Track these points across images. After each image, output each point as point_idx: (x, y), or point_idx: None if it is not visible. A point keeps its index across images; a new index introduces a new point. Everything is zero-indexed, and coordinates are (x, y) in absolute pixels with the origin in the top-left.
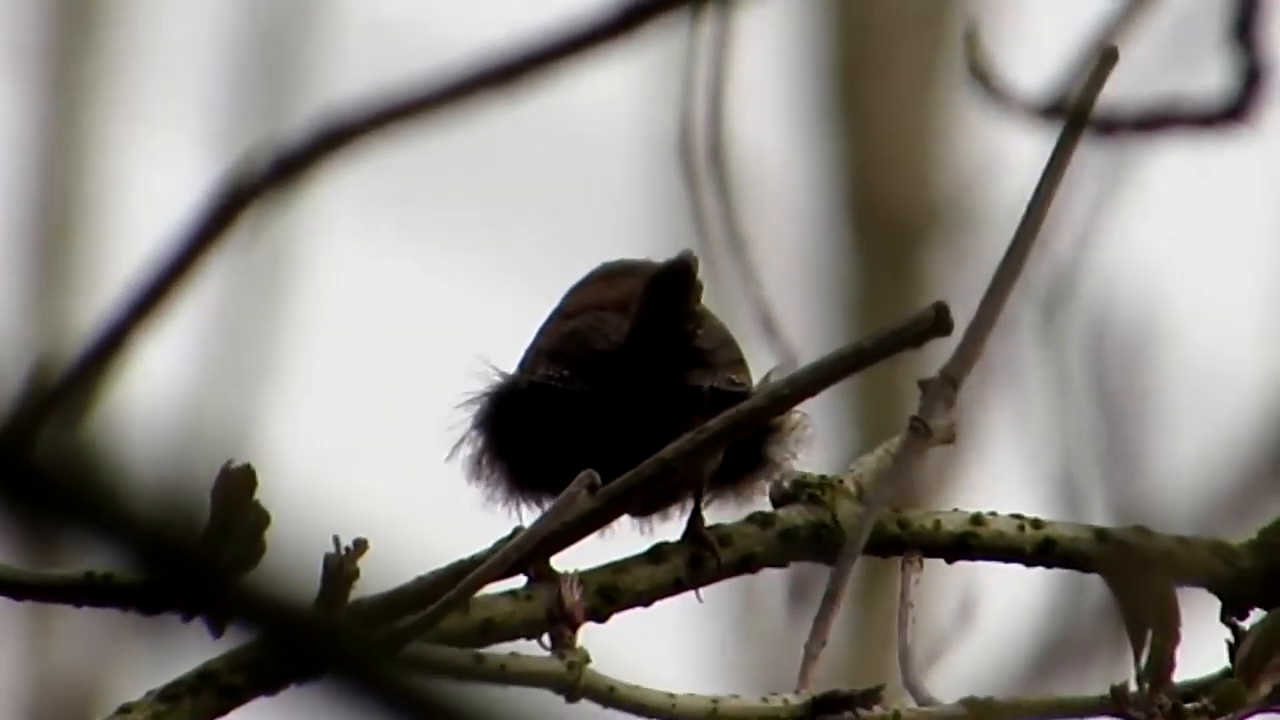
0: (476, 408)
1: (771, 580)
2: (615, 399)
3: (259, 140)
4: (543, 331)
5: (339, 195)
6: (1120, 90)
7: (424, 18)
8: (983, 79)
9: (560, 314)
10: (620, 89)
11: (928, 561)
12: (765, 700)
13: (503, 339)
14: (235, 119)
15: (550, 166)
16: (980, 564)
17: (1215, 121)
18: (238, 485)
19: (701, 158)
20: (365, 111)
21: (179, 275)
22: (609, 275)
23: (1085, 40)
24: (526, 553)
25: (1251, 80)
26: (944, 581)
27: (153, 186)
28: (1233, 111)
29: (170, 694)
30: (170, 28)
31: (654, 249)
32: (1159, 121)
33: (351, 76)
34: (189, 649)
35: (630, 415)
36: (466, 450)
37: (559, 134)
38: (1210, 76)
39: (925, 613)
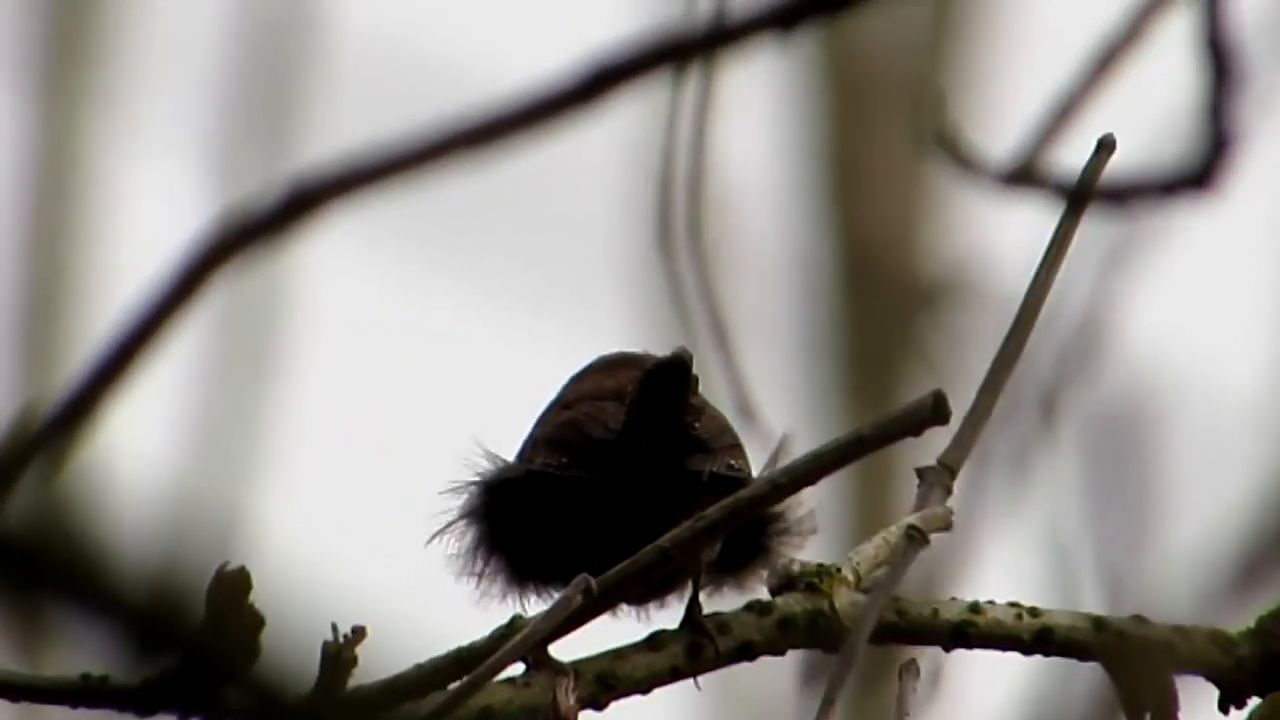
0: (468, 498)
1: (770, 669)
2: (614, 486)
3: (231, 203)
4: (541, 421)
5: (321, 258)
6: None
7: (419, 39)
8: (949, 146)
9: (558, 404)
10: (607, 149)
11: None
12: None
13: (494, 409)
14: (230, 136)
15: (533, 226)
16: (978, 653)
17: (1185, 190)
18: (232, 588)
19: (680, 231)
20: (335, 175)
21: (153, 332)
22: (607, 367)
23: (1051, 105)
24: (525, 649)
25: (1219, 148)
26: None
27: (146, 205)
28: (1200, 179)
29: None
30: (166, 43)
31: (633, 320)
32: (1129, 191)
33: (346, 95)
34: None
35: (629, 502)
36: (456, 543)
37: (542, 193)
38: (1180, 144)
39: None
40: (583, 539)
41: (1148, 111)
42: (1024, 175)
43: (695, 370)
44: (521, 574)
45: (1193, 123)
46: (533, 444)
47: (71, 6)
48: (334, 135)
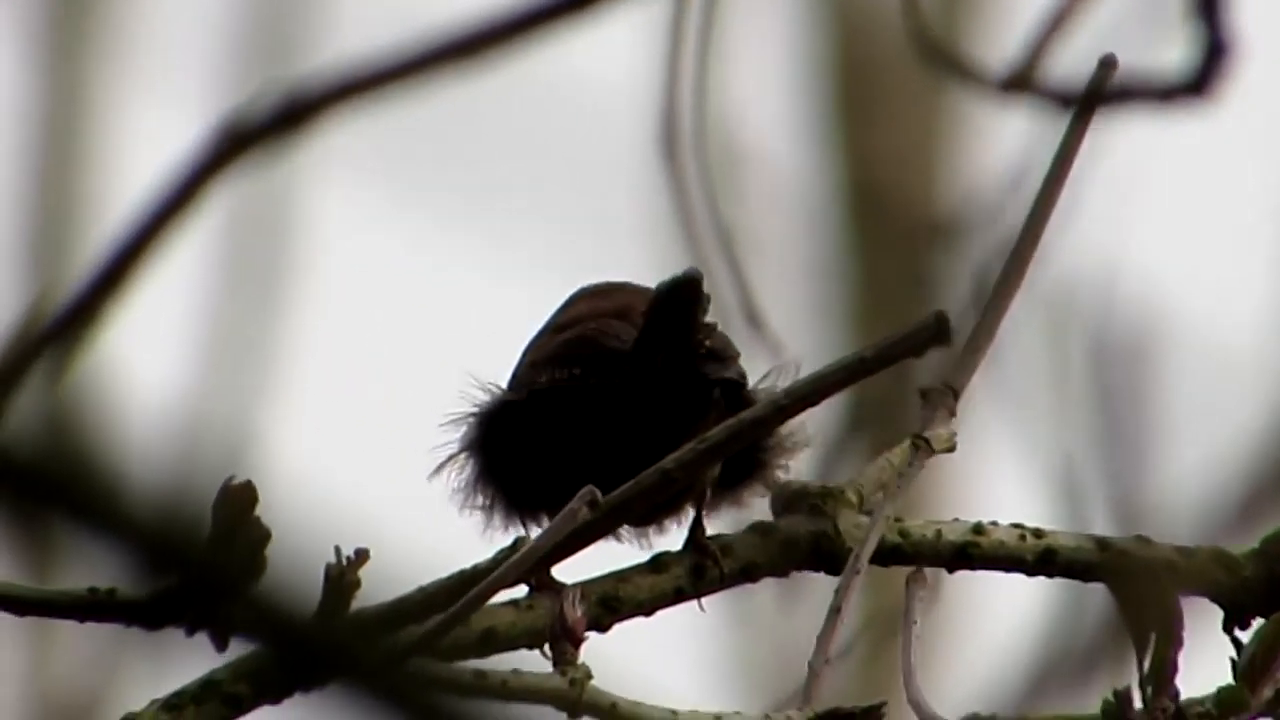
0: (465, 430)
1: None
2: (627, 396)
3: (229, 111)
4: (534, 347)
5: (324, 179)
6: (1085, 61)
7: None
8: (937, 54)
9: (551, 329)
10: (610, 60)
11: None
12: (769, 716)
13: (499, 329)
14: (232, 78)
15: (536, 142)
16: (982, 573)
17: (1178, 96)
18: (238, 501)
19: (686, 143)
20: (331, 82)
21: (155, 236)
22: (598, 293)
23: (1047, 10)
24: (528, 566)
25: (1214, 55)
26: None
27: (150, 149)
28: (1195, 85)
29: (174, 704)
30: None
31: (640, 234)
32: (1122, 95)
33: (345, 39)
34: (192, 662)
35: (642, 414)
36: (456, 476)
37: (544, 107)
38: (1173, 50)
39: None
40: (591, 457)
41: (1142, 17)
42: (1021, 81)
43: (706, 289)
44: (524, 502)
45: (1188, 28)
46: (531, 367)
47: None
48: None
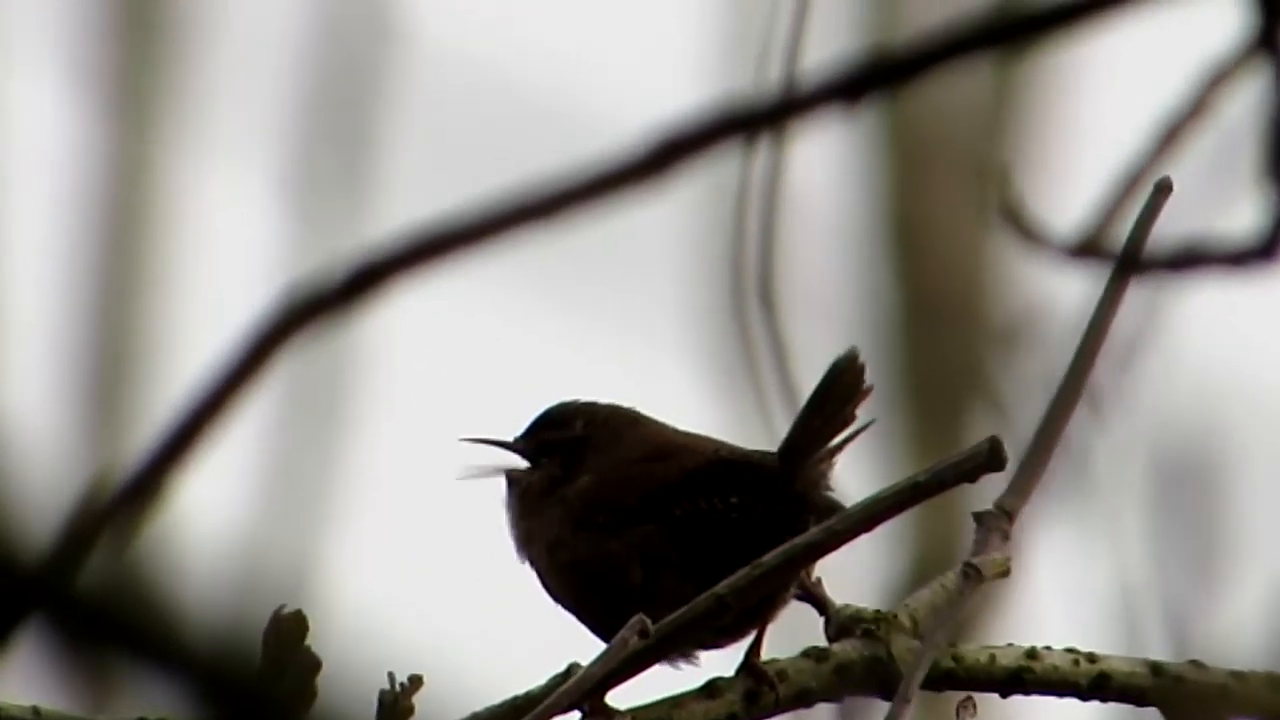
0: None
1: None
2: (776, 514)
3: (299, 276)
4: (618, 474)
5: (393, 322)
6: (1152, 227)
7: (491, 52)
8: (1013, 219)
9: (639, 458)
10: (680, 216)
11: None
12: None
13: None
14: (305, 149)
15: (608, 285)
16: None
17: (1248, 260)
18: (289, 631)
19: (752, 295)
20: (403, 248)
21: (232, 392)
22: (624, 423)
23: (1116, 177)
24: (581, 693)
25: None
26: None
27: (220, 213)
28: (1265, 250)
29: None
30: (239, 51)
31: (708, 377)
32: (1192, 260)
33: (419, 106)
34: None
35: (779, 531)
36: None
37: (616, 253)
38: (1242, 214)
39: None
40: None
41: (1213, 182)
42: (1090, 248)
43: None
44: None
45: (1258, 192)
46: (661, 493)
47: (142, 15)
48: (407, 150)
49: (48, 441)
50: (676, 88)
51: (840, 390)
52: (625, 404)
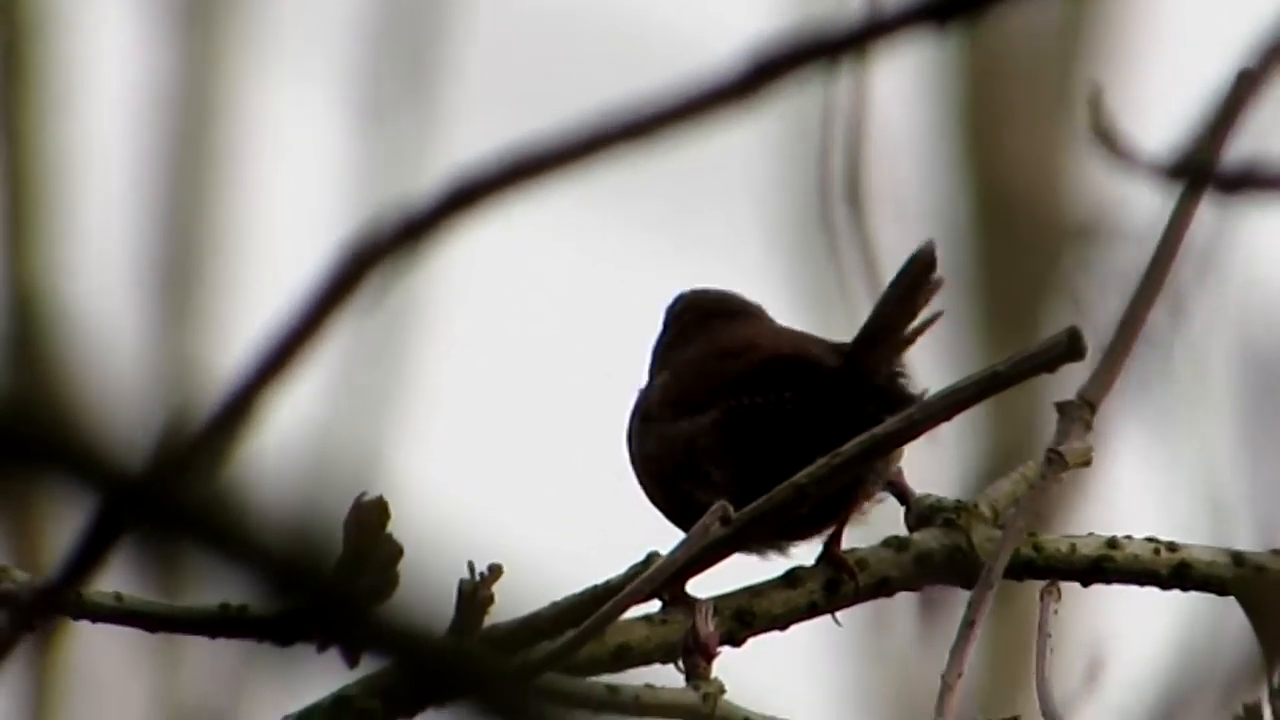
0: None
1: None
2: (837, 411)
3: (386, 203)
4: (689, 367)
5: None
6: (1245, 147)
7: None
8: (1107, 141)
9: (716, 356)
10: (765, 137)
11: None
12: None
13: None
14: (374, 76)
15: (698, 202)
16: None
17: None
18: (370, 518)
19: (839, 203)
20: (492, 170)
21: (322, 317)
22: (717, 315)
23: (1212, 100)
24: (661, 581)
25: None
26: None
27: (288, 132)
28: None
29: (306, 718)
30: None
31: (797, 286)
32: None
33: (484, 28)
34: (323, 679)
35: (848, 423)
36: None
37: (704, 179)
38: None
39: (1062, 638)
40: (789, 469)
41: None
42: (1183, 169)
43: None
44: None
45: None
46: (722, 388)
47: None
48: (476, 77)
49: (124, 344)
50: (759, 13)
51: (911, 282)
52: (733, 295)
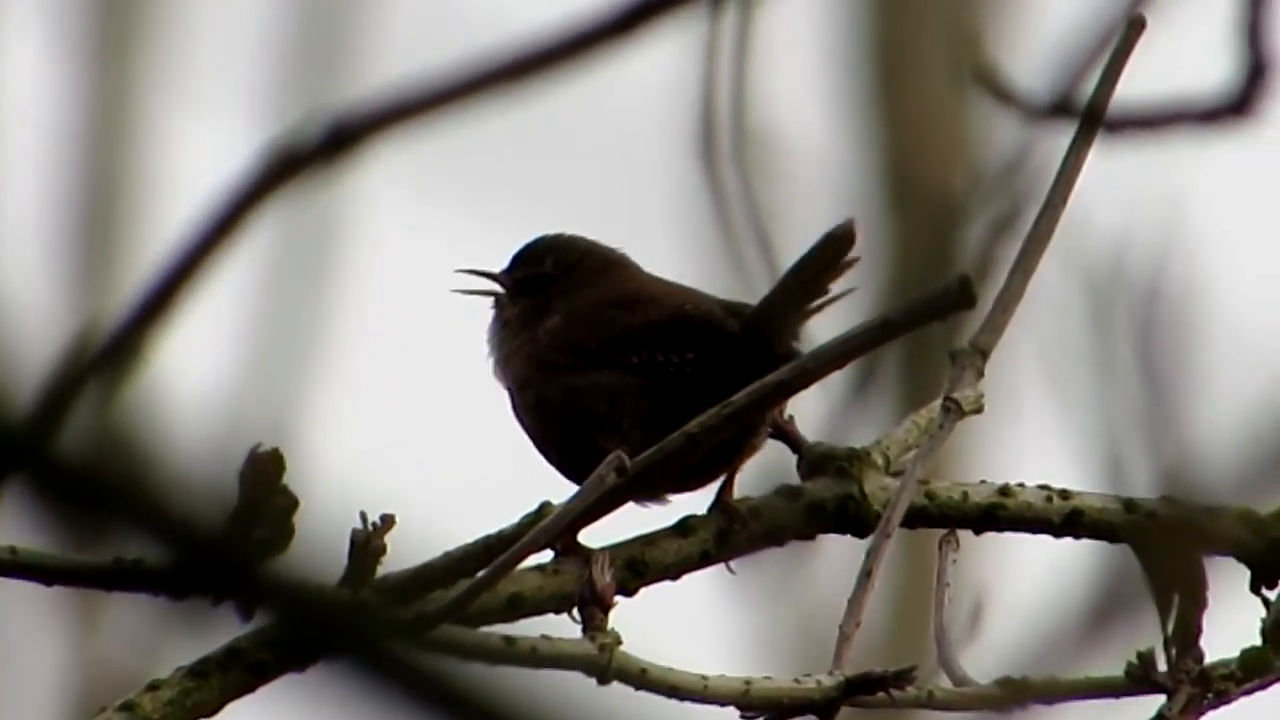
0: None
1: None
2: (734, 374)
3: (275, 137)
4: (588, 319)
5: (377, 179)
6: (1124, 66)
7: None
8: (986, 81)
9: (605, 303)
10: (651, 75)
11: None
12: (798, 681)
13: None
14: (281, 89)
15: (579, 151)
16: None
17: (1220, 116)
18: (265, 469)
19: (723, 146)
20: (376, 109)
21: (212, 248)
22: (601, 265)
23: (1086, 32)
24: (556, 531)
25: (1255, 74)
26: (974, 554)
27: (198, 158)
28: (1237, 106)
29: (199, 670)
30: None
31: (680, 234)
32: (1165, 119)
33: (394, 48)
34: (223, 632)
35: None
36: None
37: (588, 119)
38: (1214, 71)
39: (960, 585)
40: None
41: (1183, 40)
42: (1060, 107)
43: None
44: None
45: (1229, 49)
46: (623, 343)
47: None
48: (378, 73)
49: (32, 300)
50: None
51: (825, 260)
52: (609, 245)
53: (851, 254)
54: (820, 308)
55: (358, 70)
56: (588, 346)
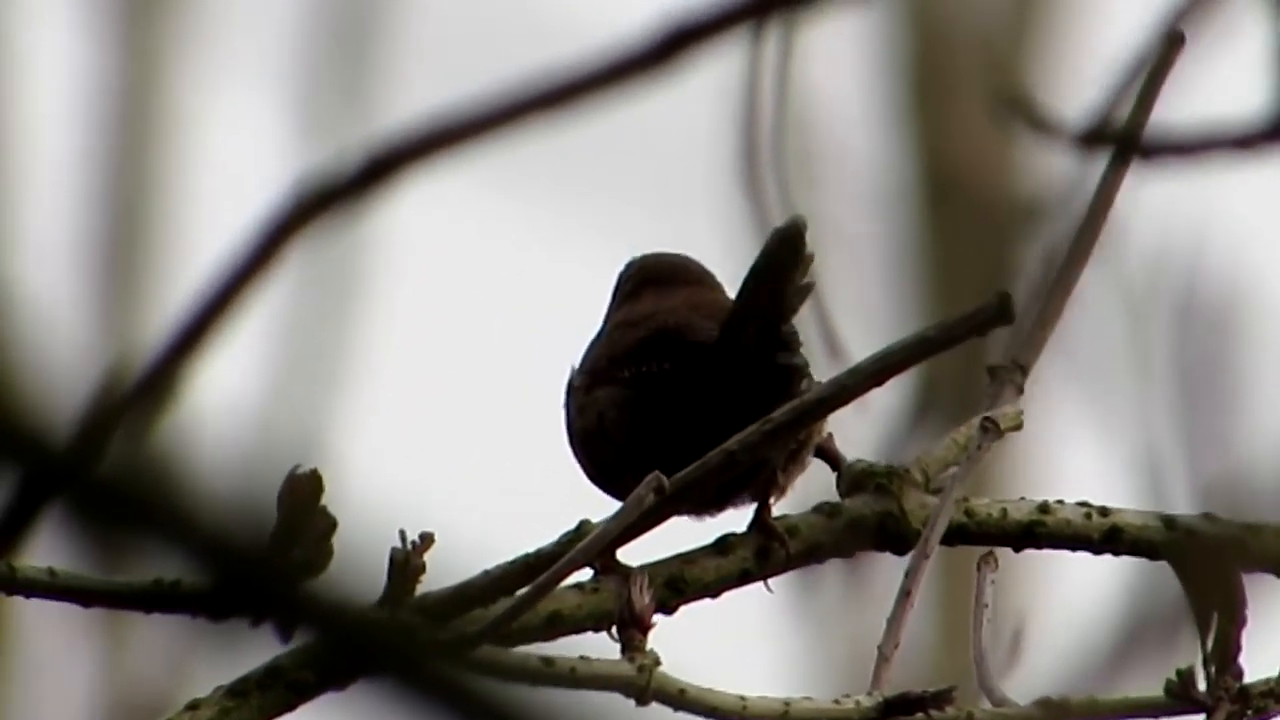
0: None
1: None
2: (716, 384)
3: (309, 168)
4: (605, 340)
5: (413, 202)
6: (1166, 109)
7: None
8: (1020, 108)
9: (623, 324)
10: (695, 94)
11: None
12: (837, 702)
13: (569, 341)
14: (313, 81)
15: (620, 170)
16: (1050, 552)
17: (1256, 142)
18: (304, 490)
19: (765, 163)
20: (413, 139)
21: (245, 283)
22: (653, 282)
23: (1123, 62)
24: (596, 550)
25: None
26: (1015, 572)
27: (227, 137)
28: (1274, 131)
29: (238, 690)
30: None
31: (722, 249)
32: (1200, 145)
33: (425, 27)
34: (259, 652)
35: (731, 398)
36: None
37: (629, 139)
38: (1251, 97)
39: (1000, 603)
40: (679, 444)
41: (1221, 64)
42: (1098, 136)
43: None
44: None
45: (1267, 73)
46: (612, 360)
47: None
48: (413, 71)
49: (64, 325)
50: None
51: (780, 257)
52: (688, 260)
53: (806, 250)
54: (792, 305)
55: (390, 59)
56: (599, 365)
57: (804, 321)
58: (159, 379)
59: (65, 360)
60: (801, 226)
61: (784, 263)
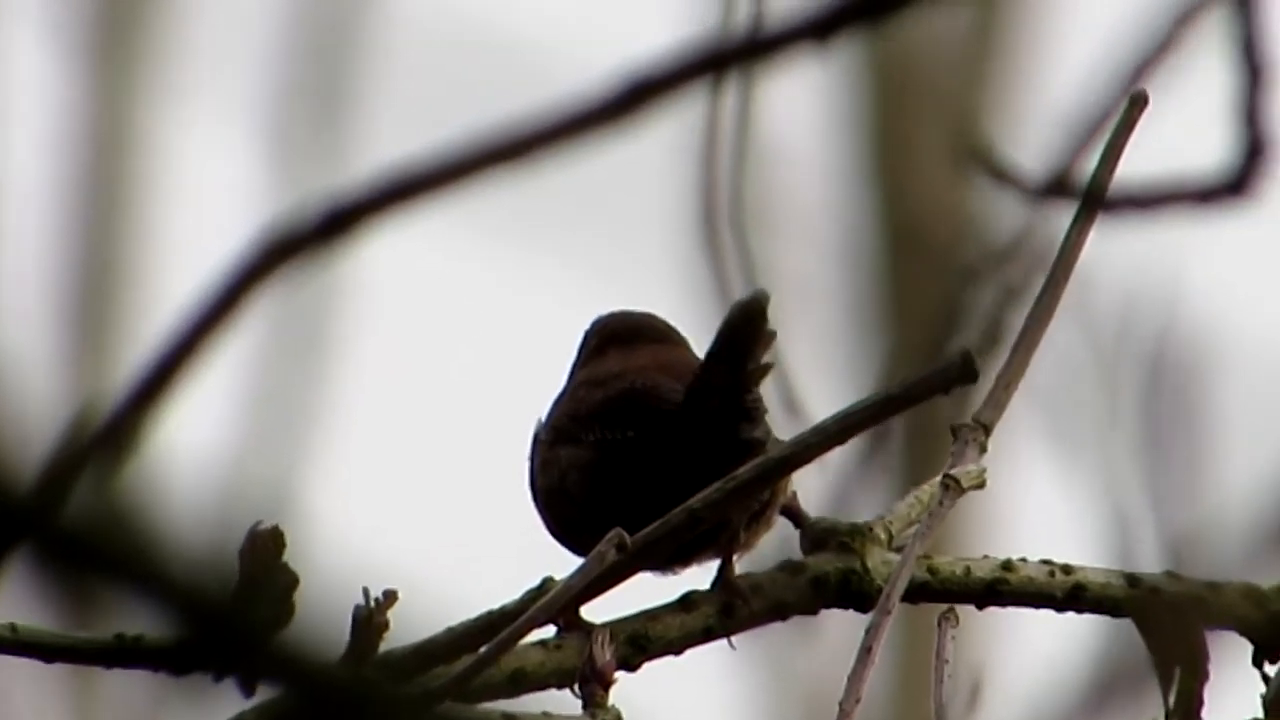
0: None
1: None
2: (678, 451)
3: (274, 218)
4: (570, 397)
5: (378, 252)
6: (1127, 164)
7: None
8: (982, 159)
9: (588, 382)
10: (652, 154)
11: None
12: None
13: (540, 388)
14: (285, 108)
15: (579, 219)
16: (1012, 610)
17: (1218, 197)
18: (265, 547)
19: (724, 216)
20: (374, 191)
21: (209, 331)
22: (618, 340)
23: (1084, 114)
24: (558, 607)
25: (1252, 154)
26: (978, 628)
27: (200, 187)
28: (1235, 186)
29: None
30: (221, 10)
31: (681, 302)
32: (1162, 199)
33: (397, 63)
34: (224, 707)
35: (692, 463)
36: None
37: (589, 191)
38: (1212, 151)
39: (961, 659)
40: (639, 505)
41: (1182, 119)
42: (1058, 187)
43: (770, 314)
44: (575, 542)
45: (1228, 128)
46: (574, 419)
47: None
48: (382, 108)
49: (29, 369)
50: (646, 29)
51: (742, 327)
52: (653, 318)
53: (768, 326)
54: (754, 379)
55: (362, 88)
56: (562, 423)
57: (765, 382)
58: (123, 426)
59: (30, 405)
60: (764, 301)
61: (747, 338)
